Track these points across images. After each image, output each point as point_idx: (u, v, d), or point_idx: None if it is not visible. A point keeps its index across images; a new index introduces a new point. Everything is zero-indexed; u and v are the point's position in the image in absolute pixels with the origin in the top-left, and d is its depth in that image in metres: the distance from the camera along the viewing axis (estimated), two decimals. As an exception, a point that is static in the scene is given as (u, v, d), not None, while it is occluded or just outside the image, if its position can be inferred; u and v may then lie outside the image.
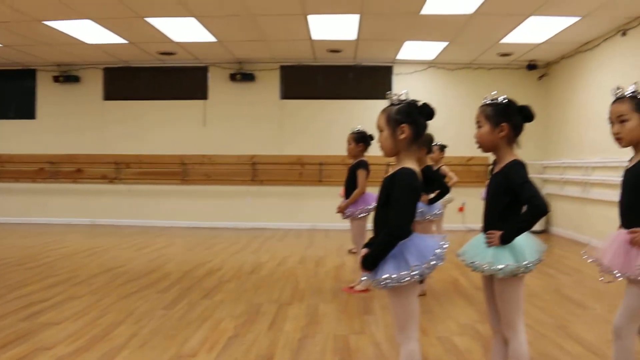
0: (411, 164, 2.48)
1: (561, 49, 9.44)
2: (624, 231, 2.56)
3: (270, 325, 4.18)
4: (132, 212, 10.82)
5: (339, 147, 10.54)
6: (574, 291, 5.43)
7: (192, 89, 10.88)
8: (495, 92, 2.64)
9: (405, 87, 10.61)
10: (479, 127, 2.61)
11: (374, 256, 2.42)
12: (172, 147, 10.78)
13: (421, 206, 5.13)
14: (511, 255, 2.47)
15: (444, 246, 2.48)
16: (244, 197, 10.81)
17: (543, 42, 8.90)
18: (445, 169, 6.73)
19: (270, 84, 10.81)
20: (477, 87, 10.63)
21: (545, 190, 10.44)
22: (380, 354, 3.59)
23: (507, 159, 2.57)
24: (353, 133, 5.51)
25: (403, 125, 2.46)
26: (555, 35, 8.41)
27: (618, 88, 2.62)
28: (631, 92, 2.56)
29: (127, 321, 4.23)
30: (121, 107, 10.96)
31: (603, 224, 8.13)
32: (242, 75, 10.57)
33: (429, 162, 5.51)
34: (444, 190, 5.17)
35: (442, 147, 7.24)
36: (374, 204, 5.12)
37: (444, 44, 9.10)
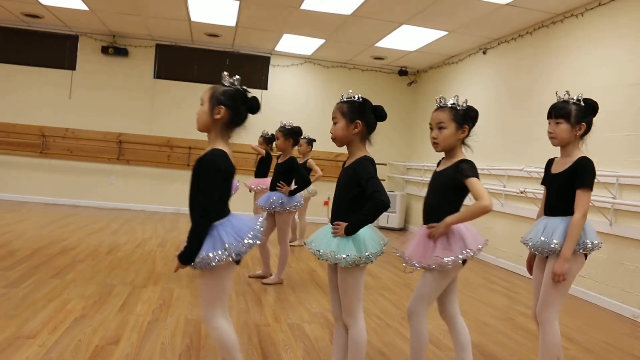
0: (223, 146, 2.51)
1: (430, 59, 10.00)
2: (424, 226, 2.83)
3: (121, 308, 4.10)
4: (-20, 183, 10.03)
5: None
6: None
7: (59, 57, 10.24)
8: (351, 90, 2.82)
9: (281, 79, 10.79)
10: (335, 122, 2.77)
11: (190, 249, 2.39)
12: (31, 117, 10.08)
13: (281, 197, 5.27)
14: (354, 246, 2.62)
15: (260, 227, 2.52)
16: (108, 176, 10.39)
17: (414, 51, 9.39)
18: (311, 162, 6.93)
19: (144, 61, 10.47)
20: (351, 86, 10.87)
21: (406, 190, 11.02)
22: (229, 338, 3.64)
23: (358, 155, 2.74)
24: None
25: (220, 106, 2.51)
26: (425, 45, 8.91)
27: (441, 98, 2.88)
28: (451, 104, 2.81)
29: (-38, 298, 3.95)
30: (-25, 68, 10.09)
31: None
32: (115, 49, 10.16)
33: (296, 155, 5.65)
34: (304, 183, 5.34)
35: (310, 141, 7.46)
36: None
37: (322, 41, 9.31)
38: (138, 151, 10.40)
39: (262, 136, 7.38)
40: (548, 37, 6.91)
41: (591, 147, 5.81)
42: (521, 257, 6.53)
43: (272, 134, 7.12)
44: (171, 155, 10.49)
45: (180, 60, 10.60)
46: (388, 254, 7.68)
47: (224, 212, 2.47)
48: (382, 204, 2.57)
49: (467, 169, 2.71)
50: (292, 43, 9.71)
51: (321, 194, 10.12)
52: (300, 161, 6.58)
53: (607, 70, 5.82)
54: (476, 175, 2.71)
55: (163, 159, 10.51)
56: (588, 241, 2.90)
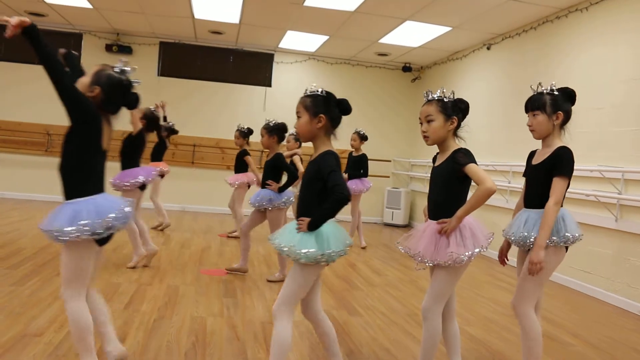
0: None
1: (434, 55, 9.98)
2: (433, 222, 2.81)
3: (127, 305, 4.11)
4: (-14, 181, 10.05)
5: (214, 130, 10.51)
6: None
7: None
8: (314, 84, 2.79)
9: (285, 76, 10.79)
10: (299, 117, 2.73)
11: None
12: (36, 116, 10.09)
13: (270, 194, 5.27)
14: (316, 242, 2.57)
15: (125, 209, 2.58)
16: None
17: (418, 47, 9.37)
18: (296, 159, 6.92)
19: (148, 59, 10.47)
20: (355, 82, 10.99)
21: (410, 187, 11.01)
22: (235, 336, 3.65)
23: (322, 149, 2.71)
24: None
25: (94, 86, 2.65)
26: (429, 41, 8.89)
27: (428, 91, 2.88)
28: (437, 96, 2.82)
29: (-32, 297, 3.97)
30: (-20, 68, 10.09)
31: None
32: (119, 47, 10.16)
33: (282, 151, 5.62)
34: (292, 178, 5.32)
35: (298, 138, 7.41)
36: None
37: (325, 37, 9.30)
38: (143, 149, 10.39)
39: (238, 130, 7.22)
40: (552, 32, 6.89)
41: (596, 143, 5.82)
42: (526, 253, 6.50)
43: (248, 128, 7.11)
44: (176, 152, 10.49)
45: (184, 58, 10.60)
46: (394, 251, 7.67)
47: (93, 189, 2.54)
48: (342, 197, 2.53)
49: (463, 156, 2.72)
50: (296, 40, 9.70)
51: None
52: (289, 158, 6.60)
53: (612, 65, 5.80)
54: (473, 160, 2.71)
55: (167, 156, 10.44)
56: (568, 234, 2.88)
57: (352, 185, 7.47)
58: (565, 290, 5.90)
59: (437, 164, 2.90)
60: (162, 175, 7.62)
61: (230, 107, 10.62)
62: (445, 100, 2.81)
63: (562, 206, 2.90)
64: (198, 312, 4.12)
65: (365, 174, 7.58)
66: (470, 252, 2.70)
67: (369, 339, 3.83)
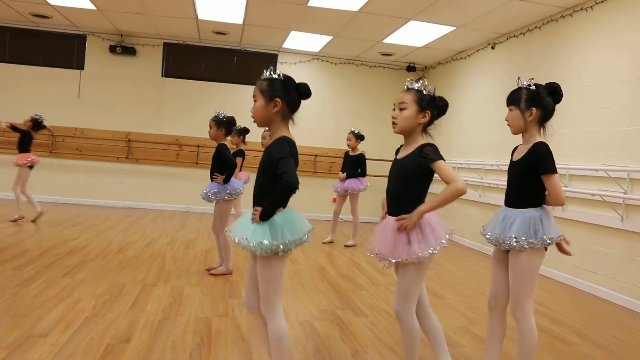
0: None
1: (438, 55, 9.97)
2: (392, 219, 2.73)
3: (132, 306, 4.11)
4: (-9, 183, 10.08)
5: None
6: (433, 282, 5.79)
7: (67, 57, 10.30)
8: (271, 67, 2.71)
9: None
10: (255, 101, 2.65)
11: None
12: (41, 117, 10.14)
13: (215, 187, 5.36)
14: (270, 233, 2.49)
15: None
16: (117, 175, 10.43)
17: (422, 47, 9.36)
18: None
19: (152, 60, 10.49)
20: (359, 82, 10.99)
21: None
22: (240, 336, 3.65)
23: (278, 135, 2.63)
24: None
25: None
26: (433, 41, 8.88)
27: (409, 80, 2.84)
28: (417, 86, 2.77)
29: (-26, 298, 3.97)
30: (-15, 70, 10.14)
31: (463, 220, 8.72)
32: (123, 49, 10.19)
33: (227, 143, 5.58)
34: (231, 167, 5.36)
35: (242, 131, 7.52)
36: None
37: (329, 37, 9.29)
38: (147, 150, 10.44)
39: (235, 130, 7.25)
40: (557, 32, 6.86)
41: (602, 142, 5.79)
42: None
43: (244, 127, 7.10)
44: (180, 153, 10.51)
45: (188, 59, 10.61)
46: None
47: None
48: (288, 185, 2.44)
49: (432, 152, 2.65)
50: (300, 40, 9.70)
51: (329, 190, 10.15)
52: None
53: (618, 64, 5.78)
54: (442, 157, 2.65)
55: (172, 157, 10.53)
56: (546, 237, 2.78)
57: (351, 184, 7.55)
58: (570, 290, 5.88)
59: (400, 156, 2.82)
60: (31, 167, 7.64)
61: (235, 108, 10.54)
62: (424, 92, 2.76)
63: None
64: (203, 312, 4.12)
65: (363, 174, 7.60)
66: (432, 249, 2.64)
67: (374, 339, 3.82)
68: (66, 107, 10.24)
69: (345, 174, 7.62)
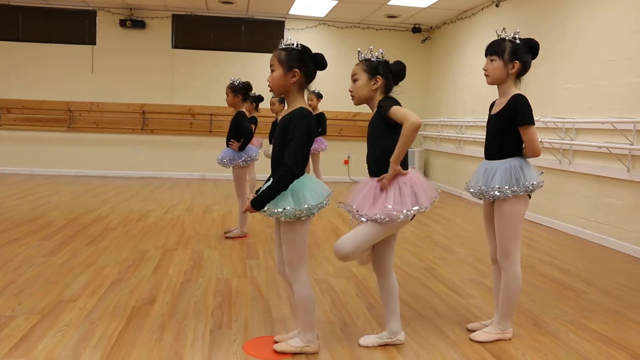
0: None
1: (443, 15, 9.92)
2: (373, 179, 2.81)
3: (154, 270, 4.31)
4: (14, 159, 10.36)
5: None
6: (443, 238, 5.94)
7: (79, 33, 10.41)
8: (290, 37, 2.74)
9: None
10: (273, 70, 2.67)
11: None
12: (57, 93, 10.34)
13: (230, 153, 5.51)
14: (292, 199, 2.56)
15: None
16: (134, 146, 10.64)
17: (427, 7, 9.32)
18: None
19: (161, 32, 10.57)
20: (365, 46, 10.83)
21: (424, 146, 11.07)
22: (259, 294, 3.83)
23: (295, 105, 2.67)
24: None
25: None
26: (438, 1, 8.84)
27: (359, 52, 2.93)
28: (363, 56, 2.87)
29: (4, 269, 4.17)
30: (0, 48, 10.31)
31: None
32: (133, 22, 10.26)
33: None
34: (247, 135, 5.52)
35: (283, 100, 7.40)
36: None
37: (334, 2, 9.28)
38: (161, 120, 10.60)
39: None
40: (563, -15, 6.82)
41: (611, 94, 5.83)
42: (540, 206, 6.60)
43: (259, 95, 7.12)
44: (193, 122, 10.66)
45: (196, 29, 10.68)
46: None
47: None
48: (287, 175, 2.55)
49: (386, 102, 2.74)
50: (306, 5, 9.70)
51: (341, 153, 10.28)
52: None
53: (625, 17, 5.77)
54: (396, 103, 2.73)
55: (186, 127, 10.69)
56: (528, 183, 2.88)
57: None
58: (578, 241, 5.98)
59: (371, 119, 2.90)
60: None
61: (245, 76, 10.55)
62: (371, 60, 2.83)
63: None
64: (223, 273, 4.31)
65: (324, 132, 7.42)
66: (406, 210, 2.66)
67: (386, 293, 3.97)
68: (81, 82, 10.40)
69: None
